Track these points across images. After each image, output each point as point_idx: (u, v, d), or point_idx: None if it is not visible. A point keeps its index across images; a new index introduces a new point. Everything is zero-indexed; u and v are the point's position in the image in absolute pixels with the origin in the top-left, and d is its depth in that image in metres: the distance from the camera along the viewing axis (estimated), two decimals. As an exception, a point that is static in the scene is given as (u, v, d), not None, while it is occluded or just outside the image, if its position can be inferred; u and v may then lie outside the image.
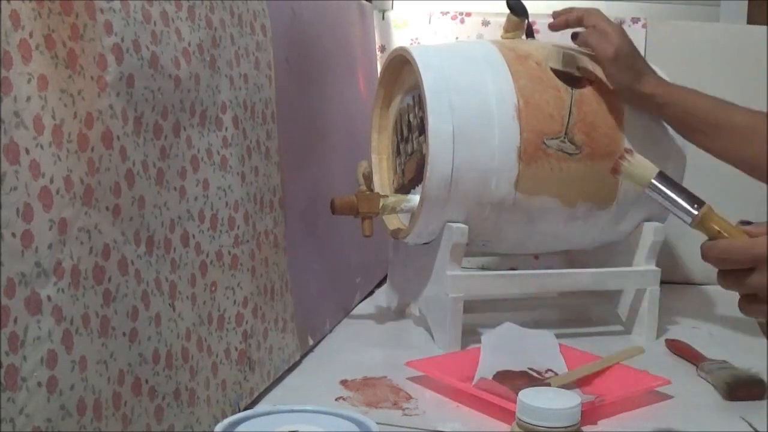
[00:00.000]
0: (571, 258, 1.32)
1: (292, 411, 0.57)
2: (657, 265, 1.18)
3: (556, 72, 1.12)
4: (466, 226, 1.08)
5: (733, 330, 1.25)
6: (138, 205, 0.68)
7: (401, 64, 1.17)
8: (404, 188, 1.19)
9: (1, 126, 0.52)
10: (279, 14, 1.03)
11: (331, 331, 1.15)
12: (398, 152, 1.21)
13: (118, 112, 0.66)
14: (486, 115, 1.07)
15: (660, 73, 1.17)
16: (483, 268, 1.50)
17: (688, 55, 1.55)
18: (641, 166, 0.80)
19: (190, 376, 0.75)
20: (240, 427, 0.54)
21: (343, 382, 0.95)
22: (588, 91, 1.13)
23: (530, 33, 1.24)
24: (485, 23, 1.59)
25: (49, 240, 0.56)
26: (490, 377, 0.93)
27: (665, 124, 1.17)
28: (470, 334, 1.10)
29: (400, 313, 1.26)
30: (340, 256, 1.24)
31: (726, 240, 0.77)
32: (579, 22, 1.16)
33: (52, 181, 0.57)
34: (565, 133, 1.10)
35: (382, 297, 1.31)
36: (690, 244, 1.55)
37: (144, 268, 0.69)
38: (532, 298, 1.30)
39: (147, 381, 0.68)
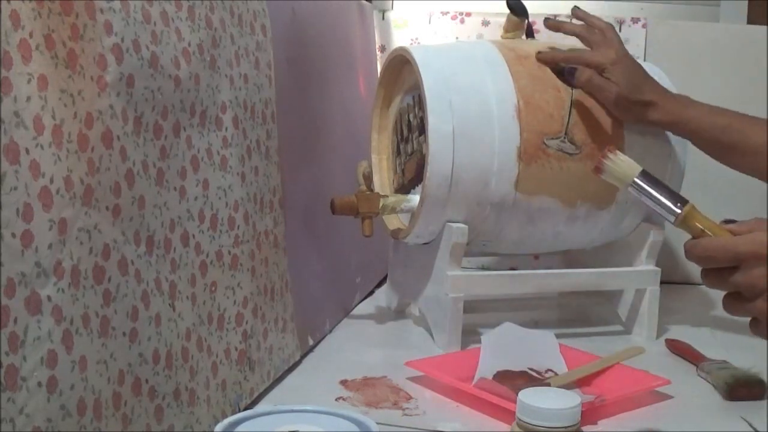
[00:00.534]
0: (571, 258, 1.32)
1: (292, 411, 0.57)
2: (657, 265, 1.18)
3: (556, 72, 1.12)
4: (466, 226, 1.08)
5: (733, 330, 1.25)
6: (138, 205, 0.68)
7: (401, 64, 1.17)
8: (404, 188, 1.19)
9: (1, 126, 0.52)
10: (279, 14, 1.03)
11: (331, 331, 1.15)
12: (398, 152, 1.21)
13: (118, 112, 0.66)
14: (486, 115, 1.07)
15: (664, 80, 1.17)
16: (483, 268, 1.50)
17: (688, 55, 1.55)
18: (625, 164, 0.80)
19: (190, 376, 0.75)
20: (240, 427, 0.54)
21: (343, 382, 0.95)
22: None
23: (530, 33, 1.24)
24: (485, 23, 1.59)
25: (49, 240, 0.56)
26: (490, 377, 0.93)
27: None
28: (470, 334, 1.10)
29: (400, 313, 1.26)
30: (340, 256, 1.24)
31: (709, 238, 0.76)
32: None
33: (52, 181, 0.57)
34: (565, 133, 1.10)
35: (382, 297, 1.31)
36: (690, 244, 1.56)
37: (144, 268, 0.69)
38: (532, 298, 1.30)
39: (147, 381, 0.68)
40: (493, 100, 1.08)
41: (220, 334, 0.82)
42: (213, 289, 0.81)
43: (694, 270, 1.58)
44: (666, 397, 0.94)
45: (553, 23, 1.18)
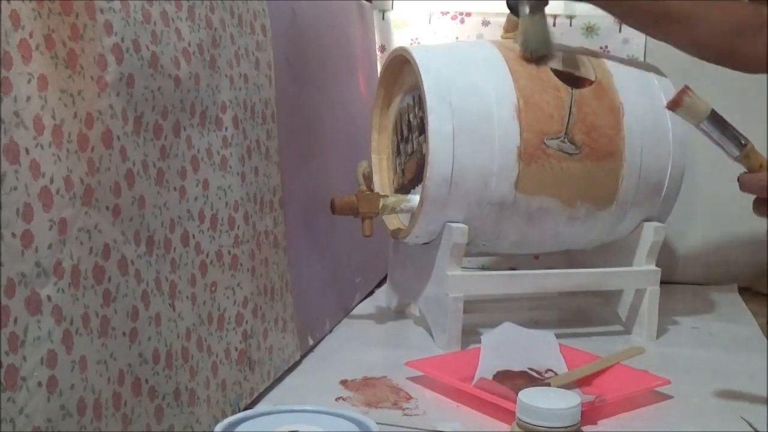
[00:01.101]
0: (571, 258, 1.32)
1: (292, 411, 0.57)
2: (657, 265, 1.18)
3: (556, 72, 1.12)
4: (466, 226, 1.08)
5: (733, 330, 1.25)
6: (138, 205, 0.68)
7: (401, 64, 1.17)
8: (404, 188, 1.19)
9: (1, 126, 0.52)
10: (279, 14, 1.03)
11: (331, 331, 1.15)
12: (398, 152, 1.21)
13: (118, 112, 0.66)
14: (486, 115, 1.07)
15: (664, 80, 1.17)
16: (483, 268, 1.50)
17: (688, 55, 1.55)
18: (700, 102, 0.86)
19: (190, 376, 0.75)
20: (240, 427, 0.54)
21: (343, 382, 0.95)
22: (588, 91, 1.13)
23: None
24: (485, 23, 1.59)
25: (49, 240, 0.56)
26: (490, 377, 0.93)
27: (666, 124, 1.17)
28: (470, 334, 1.10)
29: (400, 313, 1.26)
30: (340, 256, 1.24)
31: (764, 173, 0.86)
32: None
33: (52, 181, 0.57)
34: (565, 133, 1.10)
35: (382, 297, 1.31)
36: (690, 244, 1.57)
37: (144, 268, 0.69)
38: (532, 298, 1.30)
39: (147, 381, 0.68)
40: (493, 100, 1.08)
41: (220, 334, 0.82)
42: (213, 289, 0.81)
43: (694, 270, 1.59)
44: (666, 397, 0.94)
45: None
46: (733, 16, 1.10)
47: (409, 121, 1.17)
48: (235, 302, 0.85)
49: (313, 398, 0.91)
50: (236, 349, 0.85)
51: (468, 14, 1.60)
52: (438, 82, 1.07)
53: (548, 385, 0.92)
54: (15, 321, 0.53)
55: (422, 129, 1.09)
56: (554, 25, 1.57)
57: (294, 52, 1.09)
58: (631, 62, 1.26)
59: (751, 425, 0.86)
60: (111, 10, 0.65)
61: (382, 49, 1.62)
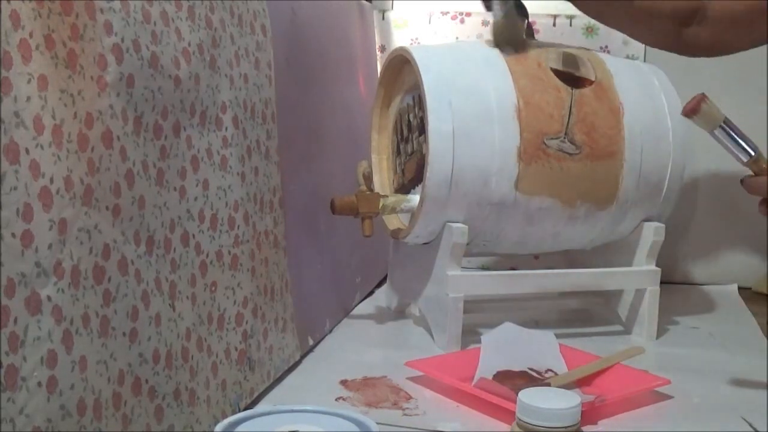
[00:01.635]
0: (571, 258, 1.32)
1: (292, 411, 0.57)
2: (657, 265, 1.18)
3: (556, 72, 1.12)
4: (466, 226, 1.08)
5: (733, 330, 1.25)
6: (138, 205, 0.68)
7: (401, 64, 1.17)
8: (404, 188, 1.19)
9: (1, 126, 0.52)
10: (279, 14, 1.03)
11: (331, 331, 1.15)
12: (398, 152, 1.21)
13: (118, 112, 0.66)
14: (486, 115, 1.07)
15: (664, 80, 1.17)
16: (483, 268, 1.50)
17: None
18: (715, 109, 0.90)
19: (190, 376, 0.75)
20: (240, 427, 0.54)
21: (343, 382, 0.95)
22: (588, 91, 1.13)
23: (530, 33, 1.24)
24: (485, 23, 1.59)
25: (49, 240, 0.56)
26: (490, 377, 0.93)
27: (666, 124, 1.17)
28: (470, 334, 1.10)
29: (400, 313, 1.26)
30: (340, 256, 1.24)
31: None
32: None
33: (52, 181, 0.57)
34: (565, 133, 1.10)
35: (382, 297, 1.31)
36: (690, 244, 1.57)
37: (144, 268, 0.69)
38: (532, 298, 1.30)
39: (147, 381, 0.68)
40: (493, 100, 1.08)
41: (220, 334, 0.82)
42: (213, 289, 0.81)
43: (694, 270, 1.59)
44: (666, 397, 0.94)
45: None
46: (675, 4, 1.13)
47: (409, 121, 1.17)
48: (235, 302, 0.85)
49: (313, 398, 0.91)
50: (236, 349, 0.85)
51: (468, 14, 1.60)
52: (438, 82, 1.07)
53: (548, 385, 0.92)
54: (15, 321, 0.53)
55: (422, 129, 1.09)
56: (554, 25, 1.57)
57: (294, 52, 1.09)
58: (631, 62, 1.26)
59: (751, 425, 0.86)
60: (111, 10, 0.65)
61: (382, 49, 1.62)
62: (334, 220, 1.13)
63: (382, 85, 1.22)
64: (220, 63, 0.84)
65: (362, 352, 1.08)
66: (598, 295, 1.27)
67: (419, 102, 1.11)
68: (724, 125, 0.90)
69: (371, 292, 1.37)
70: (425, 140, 1.06)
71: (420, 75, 1.08)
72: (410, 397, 0.92)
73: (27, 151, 0.55)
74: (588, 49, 1.22)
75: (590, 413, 0.84)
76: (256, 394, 0.88)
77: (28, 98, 0.55)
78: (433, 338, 1.13)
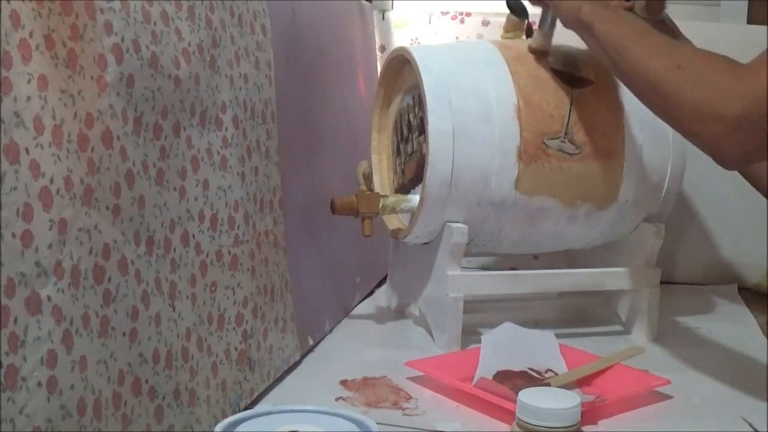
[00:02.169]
0: (571, 258, 1.32)
1: (292, 411, 0.57)
2: (657, 265, 1.18)
3: (556, 72, 1.12)
4: (466, 226, 1.08)
5: (733, 330, 1.25)
6: (138, 205, 0.68)
7: (401, 64, 1.17)
8: (404, 188, 1.19)
9: (1, 126, 0.52)
10: (279, 14, 1.03)
11: (331, 331, 1.15)
12: (398, 152, 1.21)
13: (118, 112, 0.66)
14: (486, 115, 1.07)
15: None
16: (483, 268, 1.50)
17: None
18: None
19: (190, 376, 0.75)
20: (240, 427, 0.54)
21: (343, 382, 0.95)
22: (588, 91, 1.13)
23: (530, 33, 1.24)
24: (485, 23, 1.59)
25: (49, 240, 0.56)
26: (490, 377, 0.93)
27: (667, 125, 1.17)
28: (470, 334, 1.10)
29: (400, 313, 1.26)
30: (340, 256, 1.24)
31: None
32: None
33: (52, 181, 0.57)
34: (565, 133, 1.10)
35: (382, 297, 1.31)
36: (690, 244, 1.56)
37: (144, 268, 0.69)
38: (532, 298, 1.30)
39: (147, 381, 0.68)
40: (493, 100, 1.08)
41: (220, 334, 0.82)
42: (213, 289, 0.81)
43: (694, 270, 1.59)
44: (666, 397, 0.94)
45: None
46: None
47: (409, 121, 1.17)
48: (235, 302, 0.85)
49: (313, 398, 0.91)
50: (236, 349, 0.85)
51: (468, 14, 1.60)
52: (438, 82, 1.07)
53: (548, 385, 0.92)
54: (15, 321, 0.53)
55: (422, 129, 1.09)
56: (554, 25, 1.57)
57: (294, 52, 1.09)
58: (631, 62, 1.26)
59: (751, 425, 0.86)
60: (111, 10, 0.65)
61: (382, 49, 1.62)
62: (334, 220, 1.13)
63: (382, 85, 1.22)
64: (220, 63, 0.84)
65: (362, 352, 1.08)
66: (598, 295, 1.27)
67: (419, 102, 1.11)
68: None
69: (371, 292, 1.37)
70: (425, 140, 1.06)
71: (420, 75, 1.08)
72: (410, 397, 0.91)
73: (27, 151, 0.55)
74: (588, 49, 1.22)
75: (590, 413, 0.84)
76: (256, 394, 0.88)
77: (28, 98, 0.55)
78: (433, 338, 1.13)
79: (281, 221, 0.98)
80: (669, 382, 0.93)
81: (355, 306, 1.28)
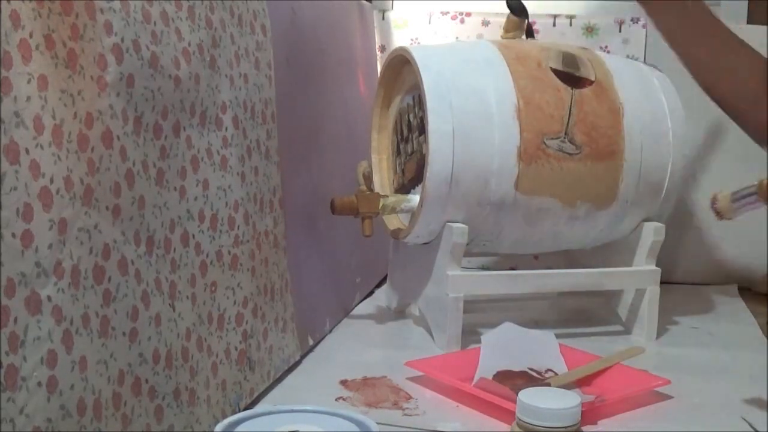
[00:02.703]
0: (571, 258, 1.32)
1: (292, 411, 0.57)
2: (657, 265, 1.18)
3: (556, 72, 1.12)
4: (466, 226, 1.08)
5: (733, 330, 1.25)
6: (138, 205, 0.68)
7: (401, 64, 1.17)
8: (404, 188, 1.19)
9: (1, 126, 0.52)
10: (279, 14, 1.03)
11: (331, 331, 1.15)
12: (398, 152, 1.21)
13: (118, 112, 0.66)
14: (486, 115, 1.07)
15: (665, 80, 1.16)
16: (483, 268, 1.50)
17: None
18: (725, 198, 0.89)
19: (190, 376, 0.75)
20: (240, 427, 0.54)
21: (343, 382, 0.95)
22: (588, 91, 1.13)
23: (530, 33, 1.24)
24: (485, 23, 1.59)
25: (49, 240, 0.56)
26: (490, 377, 0.93)
27: (666, 124, 1.17)
28: (470, 334, 1.10)
29: (400, 313, 1.26)
30: (340, 256, 1.24)
31: None
32: None
33: (52, 181, 0.57)
34: (565, 133, 1.10)
35: (382, 297, 1.31)
36: (690, 244, 1.56)
37: (144, 268, 0.69)
38: (532, 298, 1.30)
39: (147, 381, 0.68)
40: (493, 100, 1.08)
41: (220, 334, 0.82)
42: (213, 289, 0.81)
43: (694, 270, 1.59)
44: (666, 397, 0.94)
45: None
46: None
47: (409, 121, 1.17)
48: (235, 302, 0.85)
49: (313, 398, 0.91)
50: (236, 349, 0.85)
51: (468, 14, 1.60)
52: (438, 82, 1.07)
53: (548, 385, 0.92)
54: (15, 321, 0.53)
55: (422, 129, 1.09)
56: (554, 25, 1.57)
57: (294, 52, 1.09)
58: (631, 62, 1.26)
59: (751, 425, 0.86)
60: (111, 10, 0.65)
61: (382, 49, 1.62)
62: (334, 220, 1.13)
63: (382, 85, 1.22)
64: (220, 63, 0.84)
65: (362, 352, 1.08)
66: (598, 295, 1.27)
67: (419, 102, 1.11)
68: (735, 202, 0.87)
69: (371, 292, 1.37)
70: (425, 140, 1.06)
71: (420, 75, 1.08)
72: (410, 397, 0.91)
73: (27, 151, 0.55)
74: (588, 49, 1.22)
75: (590, 413, 0.84)
76: (256, 394, 0.88)
77: (28, 98, 0.55)
78: (433, 338, 1.13)
79: (281, 221, 0.98)
80: (669, 382, 0.93)
81: (355, 306, 1.28)
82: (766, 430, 0.85)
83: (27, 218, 0.54)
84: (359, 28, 1.48)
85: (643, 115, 1.15)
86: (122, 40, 0.66)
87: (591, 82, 1.14)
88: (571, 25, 1.57)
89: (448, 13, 1.61)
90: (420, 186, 1.09)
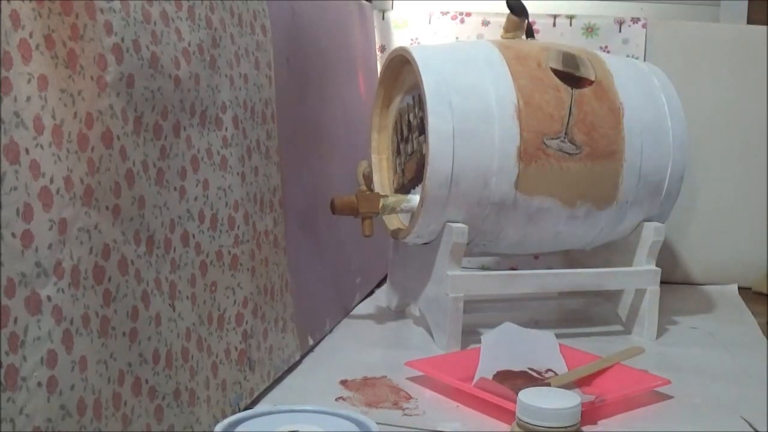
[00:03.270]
0: (571, 258, 1.32)
1: (292, 411, 0.57)
2: (657, 265, 1.18)
3: (556, 72, 1.12)
4: (466, 226, 1.08)
5: (733, 330, 1.25)
6: (138, 205, 0.68)
7: (401, 64, 1.17)
8: (404, 188, 1.19)
9: (1, 126, 0.52)
10: (279, 14, 1.03)
11: (331, 331, 1.15)
12: (398, 152, 1.21)
13: (118, 112, 0.66)
14: (486, 115, 1.07)
15: (665, 80, 1.16)
16: (483, 268, 1.50)
17: (688, 55, 1.55)
18: None
19: (190, 376, 0.75)
20: (240, 427, 0.54)
21: (343, 382, 0.95)
22: (588, 91, 1.13)
23: (530, 33, 1.24)
24: (485, 23, 1.59)
25: (49, 240, 0.56)
26: (490, 377, 0.93)
27: (666, 124, 1.17)
28: (470, 334, 1.10)
29: (400, 313, 1.26)
30: (340, 256, 1.24)
31: None
32: None
33: (52, 181, 0.57)
34: (565, 133, 1.10)
35: (382, 297, 1.31)
36: (690, 244, 1.57)
37: (144, 268, 0.69)
38: (532, 298, 1.30)
39: (147, 381, 0.68)
40: (493, 100, 1.08)
41: (220, 334, 0.82)
42: (213, 289, 0.81)
43: (694, 270, 1.59)
44: (666, 397, 0.94)
45: None
46: None
47: (409, 121, 1.17)
48: (235, 302, 0.85)
49: (313, 398, 0.91)
50: (236, 349, 0.85)
51: (468, 14, 1.60)
52: (438, 82, 1.07)
53: (548, 385, 0.92)
54: (15, 321, 0.53)
55: (422, 129, 1.09)
56: (554, 25, 1.57)
57: (294, 52, 1.09)
58: (631, 62, 1.26)
59: (751, 425, 0.86)
60: (111, 10, 0.65)
61: (382, 49, 1.62)
62: (334, 220, 1.13)
63: (382, 85, 1.22)
64: (220, 63, 0.84)
65: (362, 352, 1.08)
66: (598, 295, 1.27)
67: (419, 102, 1.11)
68: None
69: (371, 292, 1.37)
70: (425, 140, 1.06)
71: (420, 75, 1.08)
72: (410, 397, 0.91)
73: (27, 151, 0.55)
74: (588, 49, 1.22)
75: (590, 413, 0.84)
76: (256, 394, 0.88)
77: (28, 98, 0.55)
78: (433, 338, 1.13)
79: (281, 221, 0.98)
80: (669, 382, 0.93)
81: (355, 306, 1.28)
82: (766, 430, 0.85)
83: (27, 218, 0.54)
84: (359, 28, 1.48)
85: (643, 115, 1.15)
86: (122, 40, 0.66)
87: (591, 82, 1.14)
88: (571, 25, 1.57)
89: (448, 13, 1.61)
90: (420, 186, 1.09)
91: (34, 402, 0.54)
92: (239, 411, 0.82)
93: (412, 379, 0.96)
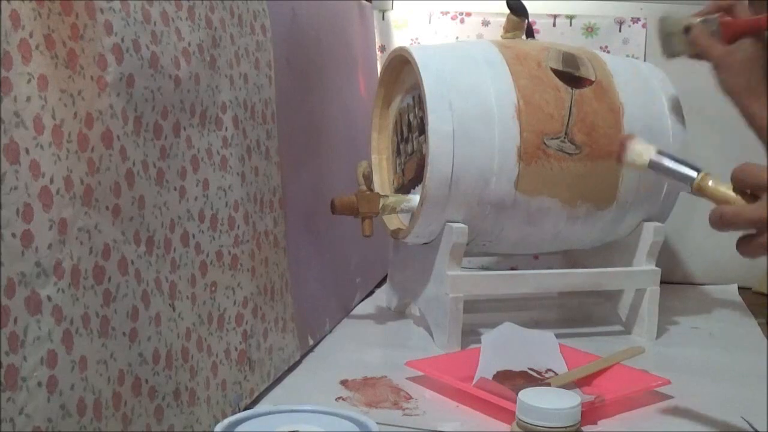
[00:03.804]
0: (571, 258, 1.32)
1: (292, 411, 0.57)
2: (657, 265, 1.18)
3: (556, 72, 1.12)
4: (466, 226, 1.08)
5: (733, 330, 1.25)
6: (138, 205, 0.68)
7: (401, 64, 1.17)
8: (404, 188, 1.19)
9: (1, 126, 0.52)
10: (279, 14, 1.03)
11: (331, 331, 1.15)
12: (398, 152, 1.21)
13: (118, 112, 0.66)
14: (486, 115, 1.07)
15: (665, 80, 1.16)
16: (483, 268, 1.50)
17: (688, 55, 1.55)
18: (641, 145, 0.84)
19: (190, 376, 0.75)
20: (240, 427, 0.54)
21: (343, 382, 0.95)
22: (588, 91, 1.13)
23: (530, 33, 1.24)
24: (485, 23, 1.59)
25: (49, 240, 0.56)
26: (490, 377, 0.93)
27: (666, 124, 1.17)
28: (470, 334, 1.10)
29: (400, 313, 1.26)
30: (340, 256, 1.24)
31: (727, 207, 0.82)
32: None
33: (52, 181, 0.57)
34: (565, 133, 1.10)
35: (382, 297, 1.31)
36: (690, 244, 1.57)
37: (144, 268, 0.69)
38: (532, 298, 1.30)
39: (147, 381, 0.68)
40: (493, 100, 1.08)
41: (220, 334, 0.82)
42: (213, 289, 0.81)
43: (694, 270, 1.59)
44: (666, 397, 0.94)
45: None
46: None
47: (409, 121, 1.17)
48: (235, 302, 0.85)
49: (313, 398, 0.91)
50: (236, 349, 0.85)
51: (468, 14, 1.60)
52: (438, 82, 1.07)
53: (548, 385, 0.92)
54: (15, 321, 0.53)
55: (422, 129, 1.09)
56: (554, 25, 1.57)
57: (294, 52, 1.09)
58: (631, 62, 1.26)
59: (751, 425, 0.86)
60: (111, 10, 0.65)
61: (382, 49, 1.62)
62: (334, 220, 1.13)
63: (382, 85, 1.22)
64: (220, 63, 0.84)
65: (362, 352, 1.08)
66: (598, 295, 1.27)
67: (419, 102, 1.11)
68: (655, 159, 0.82)
69: (371, 292, 1.37)
70: (425, 140, 1.06)
71: (420, 75, 1.08)
72: (410, 397, 0.91)
73: (27, 151, 0.55)
74: (588, 49, 1.22)
75: (590, 413, 0.84)
76: (256, 394, 0.88)
77: (28, 98, 0.55)
78: (433, 338, 1.13)
79: (281, 221, 0.98)
80: (669, 382, 0.93)
81: (355, 306, 1.28)
82: (766, 430, 0.85)
83: (27, 218, 0.54)
84: (359, 28, 1.48)
85: (643, 115, 1.15)
86: (122, 40, 0.66)
87: (591, 82, 1.14)
88: (571, 25, 1.57)
89: (448, 13, 1.61)
90: (420, 186, 1.09)
91: (34, 402, 0.54)
92: (239, 411, 0.82)
93: (412, 379, 0.96)
